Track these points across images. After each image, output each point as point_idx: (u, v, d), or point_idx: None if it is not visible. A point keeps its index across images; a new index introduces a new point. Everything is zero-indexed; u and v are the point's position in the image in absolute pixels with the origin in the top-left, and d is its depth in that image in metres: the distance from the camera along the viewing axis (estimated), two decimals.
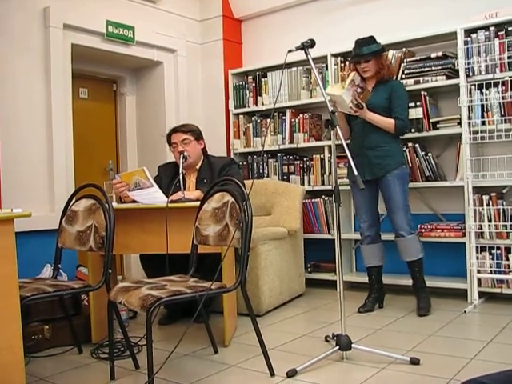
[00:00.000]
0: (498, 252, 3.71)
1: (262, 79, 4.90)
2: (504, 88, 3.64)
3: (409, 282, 3.96)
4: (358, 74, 3.64)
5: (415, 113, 3.99)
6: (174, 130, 3.69)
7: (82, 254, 3.45)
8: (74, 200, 3.02)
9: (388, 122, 3.59)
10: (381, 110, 3.61)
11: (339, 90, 3.50)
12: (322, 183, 4.57)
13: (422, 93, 3.97)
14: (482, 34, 3.75)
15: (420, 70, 4.00)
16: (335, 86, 3.81)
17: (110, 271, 2.67)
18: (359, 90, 3.54)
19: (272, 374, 2.54)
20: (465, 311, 3.56)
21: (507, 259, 3.68)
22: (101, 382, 2.55)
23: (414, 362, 2.60)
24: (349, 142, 3.75)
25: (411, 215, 3.65)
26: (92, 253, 3.05)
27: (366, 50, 3.58)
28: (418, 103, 3.98)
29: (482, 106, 3.74)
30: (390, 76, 3.70)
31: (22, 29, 3.84)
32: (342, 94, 3.44)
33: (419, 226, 3.95)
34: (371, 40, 3.63)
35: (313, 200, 4.58)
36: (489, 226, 3.73)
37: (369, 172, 3.63)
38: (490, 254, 3.73)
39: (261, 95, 4.91)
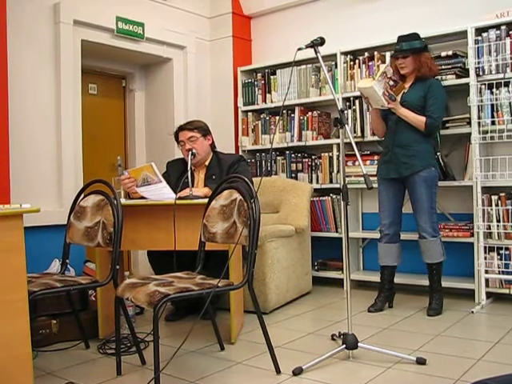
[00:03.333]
0: (507, 252, 3.68)
1: (271, 76, 4.89)
2: None
3: (419, 281, 3.98)
4: (397, 69, 3.57)
5: None
6: (181, 128, 3.68)
7: (90, 249, 3.46)
8: (82, 196, 3.04)
9: (419, 120, 3.50)
10: (416, 108, 3.52)
11: (369, 82, 3.41)
12: (331, 181, 4.55)
13: None
14: (492, 33, 3.71)
15: None
16: (365, 79, 3.66)
17: (117, 267, 2.69)
18: (391, 82, 3.43)
19: (278, 371, 2.54)
20: (472, 311, 3.55)
21: None
22: (107, 377, 2.57)
23: (421, 361, 2.59)
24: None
25: (436, 217, 3.61)
26: (100, 248, 3.06)
27: (405, 46, 3.51)
28: None
29: (492, 105, 3.71)
30: (431, 75, 3.58)
31: (32, 25, 3.85)
32: (373, 85, 3.35)
33: None
34: (414, 36, 3.55)
35: (321, 198, 4.57)
36: (497, 226, 3.71)
37: (395, 170, 3.60)
38: (498, 254, 3.71)
39: (270, 92, 4.90)
